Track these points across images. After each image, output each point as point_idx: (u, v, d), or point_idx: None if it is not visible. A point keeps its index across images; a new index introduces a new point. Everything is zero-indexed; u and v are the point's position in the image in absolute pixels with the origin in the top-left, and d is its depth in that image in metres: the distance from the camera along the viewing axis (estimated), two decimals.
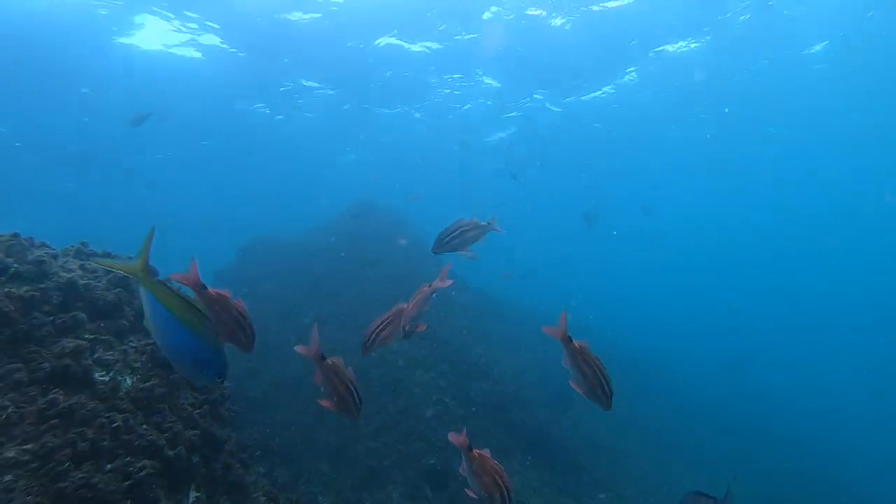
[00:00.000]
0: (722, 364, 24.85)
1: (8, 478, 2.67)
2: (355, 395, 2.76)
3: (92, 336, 3.36)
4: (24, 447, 2.80)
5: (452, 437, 2.54)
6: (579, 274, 42.62)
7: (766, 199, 29.47)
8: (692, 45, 15.02)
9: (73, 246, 4.00)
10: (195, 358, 1.95)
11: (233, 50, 14.98)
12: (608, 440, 12.39)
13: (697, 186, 27.95)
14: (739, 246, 38.67)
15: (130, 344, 3.61)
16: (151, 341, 3.74)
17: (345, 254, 12.31)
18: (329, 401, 2.80)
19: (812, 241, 34.07)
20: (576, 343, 2.66)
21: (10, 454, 2.72)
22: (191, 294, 2.30)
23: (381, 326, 3.10)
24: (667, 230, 35.76)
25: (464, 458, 2.54)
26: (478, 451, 2.53)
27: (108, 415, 3.15)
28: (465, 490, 2.59)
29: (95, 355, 3.32)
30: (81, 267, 3.67)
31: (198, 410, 3.88)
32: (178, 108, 17.71)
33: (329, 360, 2.70)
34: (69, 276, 3.42)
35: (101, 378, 3.29)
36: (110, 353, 3.41)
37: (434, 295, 3.39)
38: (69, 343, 3.18)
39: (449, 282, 3.39)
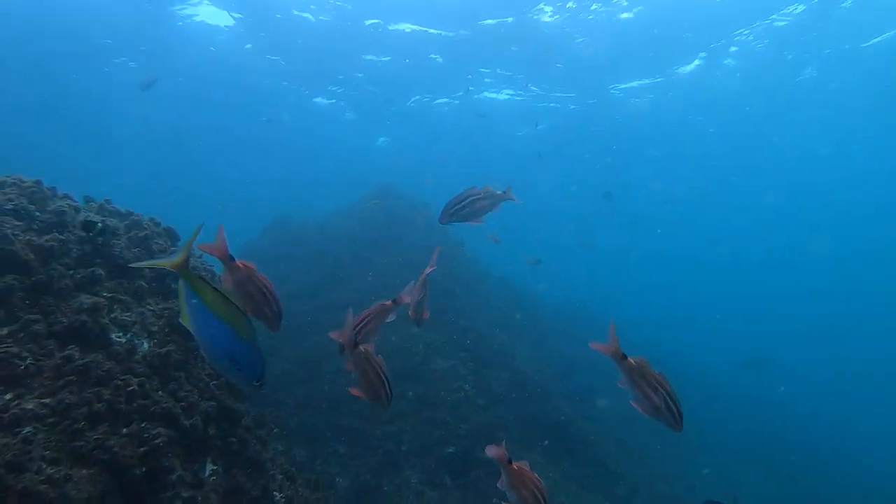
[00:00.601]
0: (743, 363, 24.05)
1: (27, 429, 2.51)
2: (386, 384, 2.66)
3: (110, 294, 3.19)
4: (43, 401, 2.64)
5: (491, 450, 2.40)
6: (597, 265, 41.79)
7: (802, 195, 28.37)
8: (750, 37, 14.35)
9: (94, 203, 3.84)
10: (234, 358, 1.86)
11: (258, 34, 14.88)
12: (631, 436, 12.01)
13: (727, 178, 26.96)
14: (767, 241, 37.37)
15: (148, 307, 3.43)
16: (170, 305, 3.57)
17: (364, 237, 12.13)
18: (359, 389, 2.69)
19: (850, 238, 32.72)
20: (632, 360, 2.39)
21: (29, 406, 2.57)
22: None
23: (361, 325, 2.89)
24: (690, 222, 34.73)
25: (503, 472, 2.44)
26: (517, 464, 2.42)
27: (123, 377, 2.97)
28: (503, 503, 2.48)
29: (113, 315, 3.15)
30: (103, 222, 3.50)
31: (214, 382, 3.70)
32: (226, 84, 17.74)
33: (362, 348, 2.61)
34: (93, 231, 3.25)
35: (118, 339, 3.12)
36: (128, 314, 3.24)
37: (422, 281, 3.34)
38: (87, 299, 3.01)
39: (433, 267, 3.31)
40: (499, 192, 3.67)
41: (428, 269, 3.32)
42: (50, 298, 2.90)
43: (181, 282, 1.74)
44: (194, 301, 1.76)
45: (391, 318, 3.10)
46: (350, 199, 14.35)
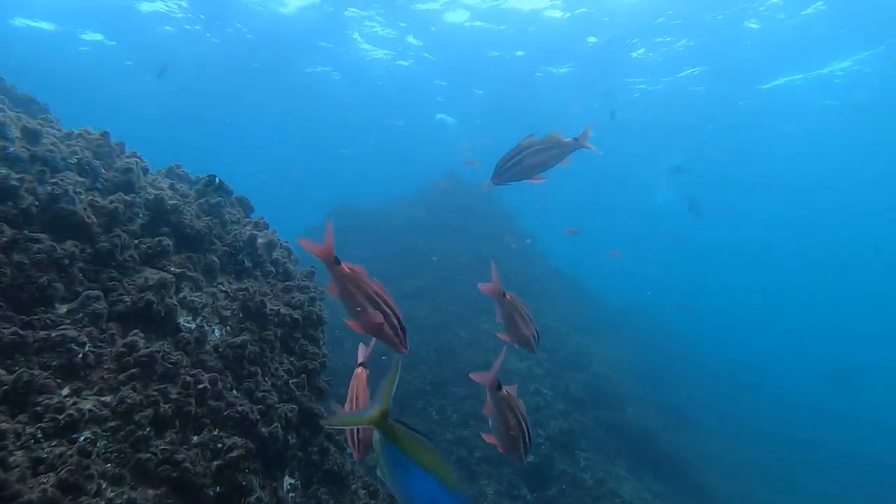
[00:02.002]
0: (828, 376, 21.51)
1: (86, 435, 1.98)
2: (527, 434, 2.33)
3: (178, 270, 2.65)
4: (102, 398, 2.11)
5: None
6: (677, 264, 39.21)
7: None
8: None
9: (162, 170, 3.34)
10: None
11: None
12: (716, 451, 10.79)
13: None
14: (860, 244, 33.57)
15: (220, 287, 2.88)
16: (244, 286, 3.01)
17: (432, 226, 11.53)
18: (496, 436, 2.32)
19: None
20: None
21: (88, 405, 2.04)
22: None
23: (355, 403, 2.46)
24: (780, 220, 31.65)
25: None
26: (507, 388, 2.23)
27: (193, 372, 2.41)
28: None
29: (181, 294, 2.61)
30: (171, 187, 2.98)
31: (294, 380, 3.12)
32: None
33: (505, 390, 2.26)
34: (157, 193, 2.72)
35: (187, 324, 2.57)
36: (197, 294, 2.68)
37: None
38: (153, 274, 2.47)
39: (493, 286, 2.67)
40: (567, 140, 2.80)
41: (485, 288, 2.70)
42: (112, 271, 2.37)
43: (378, 436, 1.50)
44: (393, 453, 1.50)
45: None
46: (414, 187, 13.81)
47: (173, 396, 2.27)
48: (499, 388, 2.22)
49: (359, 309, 1.83)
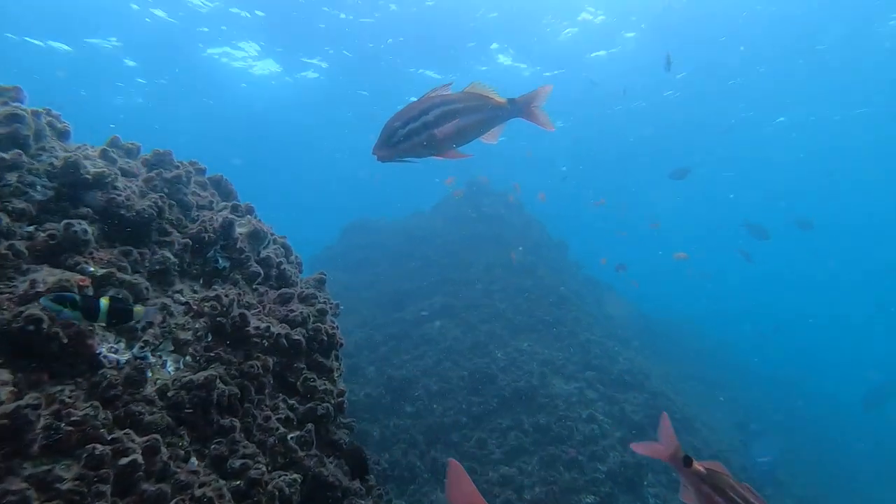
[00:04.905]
0: (867, 398, 18.93)
1: None
2: None
3: (102, 271, 1.67)
4: None
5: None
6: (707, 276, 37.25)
7: None
8: None
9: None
10: None
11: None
12: (804, 486, 9.37)
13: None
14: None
15: (177, 295, 1.90)
16: (214, 294, 2.02)
17: (455, 238, 10.53)
18: None
19: None
20: None
21: None
22: None
23: None
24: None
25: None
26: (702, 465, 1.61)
27: (113, 436, 1.42)
28: None
29: None
30: (104, 155, 2.04)
31: (296, 434, 2.10)
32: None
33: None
34: (70, 155, 1.77)
35: (112, 354, 1.58)
36: (136, 306, 1.69)
37: None
38: (48, 276, 1.50)
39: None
40: (499, 100, 1.76)
41: (651, 452, 1.94)
42: None
43: None
44: None
45: None
46: (434, 199, 12.86)
47: (65, 487, 1.27)
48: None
49: None
